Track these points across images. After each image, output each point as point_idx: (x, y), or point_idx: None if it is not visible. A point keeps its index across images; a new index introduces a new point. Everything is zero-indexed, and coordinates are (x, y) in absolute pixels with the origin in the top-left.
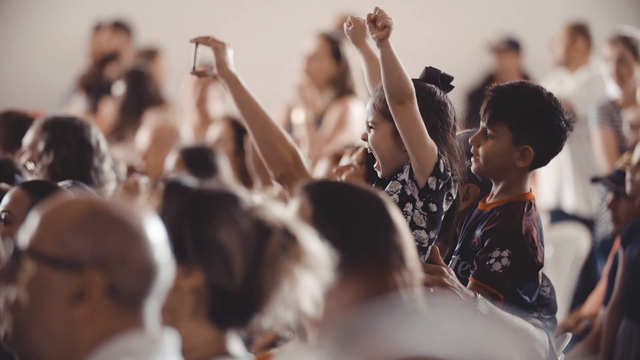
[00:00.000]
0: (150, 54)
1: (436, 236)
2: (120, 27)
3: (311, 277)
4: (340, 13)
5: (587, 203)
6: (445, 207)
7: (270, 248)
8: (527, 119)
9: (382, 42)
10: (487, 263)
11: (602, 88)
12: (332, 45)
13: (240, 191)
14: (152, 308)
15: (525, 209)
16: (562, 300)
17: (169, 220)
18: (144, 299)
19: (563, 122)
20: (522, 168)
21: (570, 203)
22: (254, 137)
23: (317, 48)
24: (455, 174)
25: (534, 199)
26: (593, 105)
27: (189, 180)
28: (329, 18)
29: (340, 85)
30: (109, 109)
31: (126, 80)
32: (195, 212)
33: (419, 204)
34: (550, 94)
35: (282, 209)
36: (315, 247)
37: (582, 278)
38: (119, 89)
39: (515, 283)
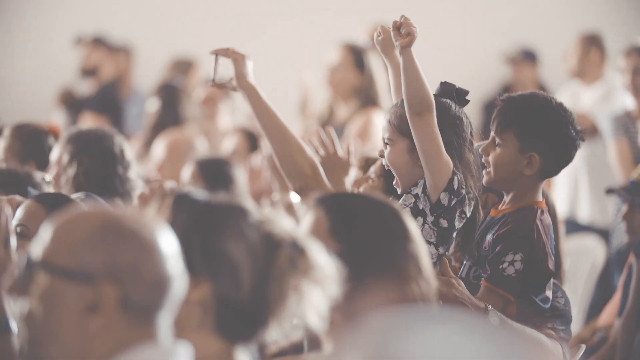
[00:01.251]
0: (185, 66)
1: (445, 252)
2: (100, 42)
3: (318, 290)
4: (371, 23)
5: (603, 214)
6: (457, 224)
7: (278, 261)
8: (533, 127)
9: (405, 50)
10: (500, 267)
11: (620, 100)
12: (355, 55)
13: (249, 204)
14: (165, 320)
15: (538, 214)
16: (578, 311)
17: (177, 232)
18: (156, 311)
19: (572, 131)
20: (531, 177)
21: (586, 214)
22: (273, 149)
23: (340, 59)
24: (470, 192)
25: (546, 207)
26: (608, 116)
27: (198, 193)
28: (355, 28)
29: (364, 96)
30: (87, 124)
31: (160, 96)
32: (203, 224)
33: (430, 218)
34: (560, 104)
35: (290, 222)
36: (322, 260)
37: (598, 289)
38: (153, 104)
39: (529, 288)
